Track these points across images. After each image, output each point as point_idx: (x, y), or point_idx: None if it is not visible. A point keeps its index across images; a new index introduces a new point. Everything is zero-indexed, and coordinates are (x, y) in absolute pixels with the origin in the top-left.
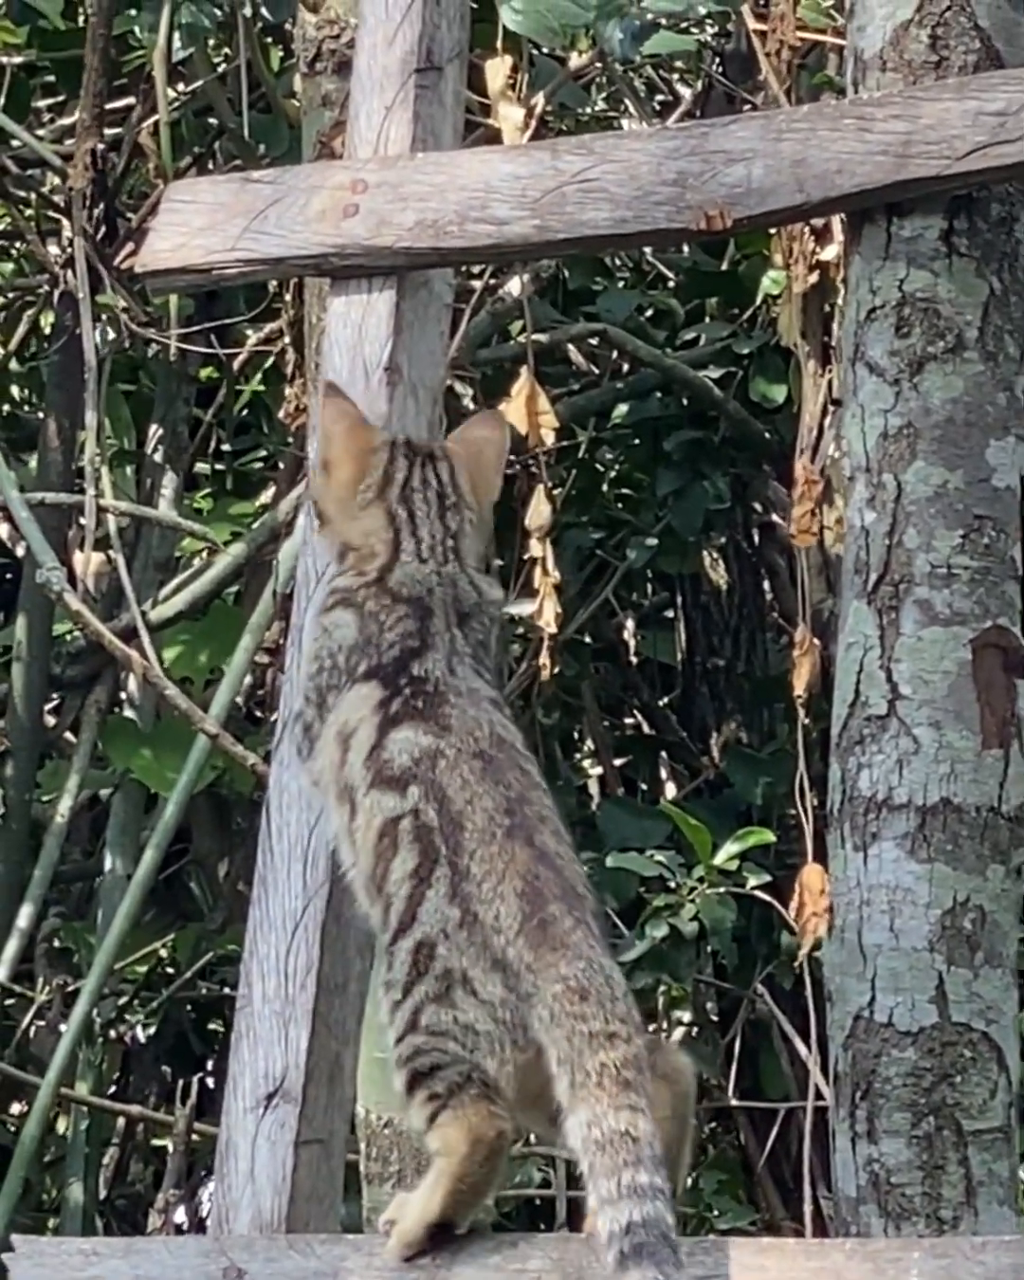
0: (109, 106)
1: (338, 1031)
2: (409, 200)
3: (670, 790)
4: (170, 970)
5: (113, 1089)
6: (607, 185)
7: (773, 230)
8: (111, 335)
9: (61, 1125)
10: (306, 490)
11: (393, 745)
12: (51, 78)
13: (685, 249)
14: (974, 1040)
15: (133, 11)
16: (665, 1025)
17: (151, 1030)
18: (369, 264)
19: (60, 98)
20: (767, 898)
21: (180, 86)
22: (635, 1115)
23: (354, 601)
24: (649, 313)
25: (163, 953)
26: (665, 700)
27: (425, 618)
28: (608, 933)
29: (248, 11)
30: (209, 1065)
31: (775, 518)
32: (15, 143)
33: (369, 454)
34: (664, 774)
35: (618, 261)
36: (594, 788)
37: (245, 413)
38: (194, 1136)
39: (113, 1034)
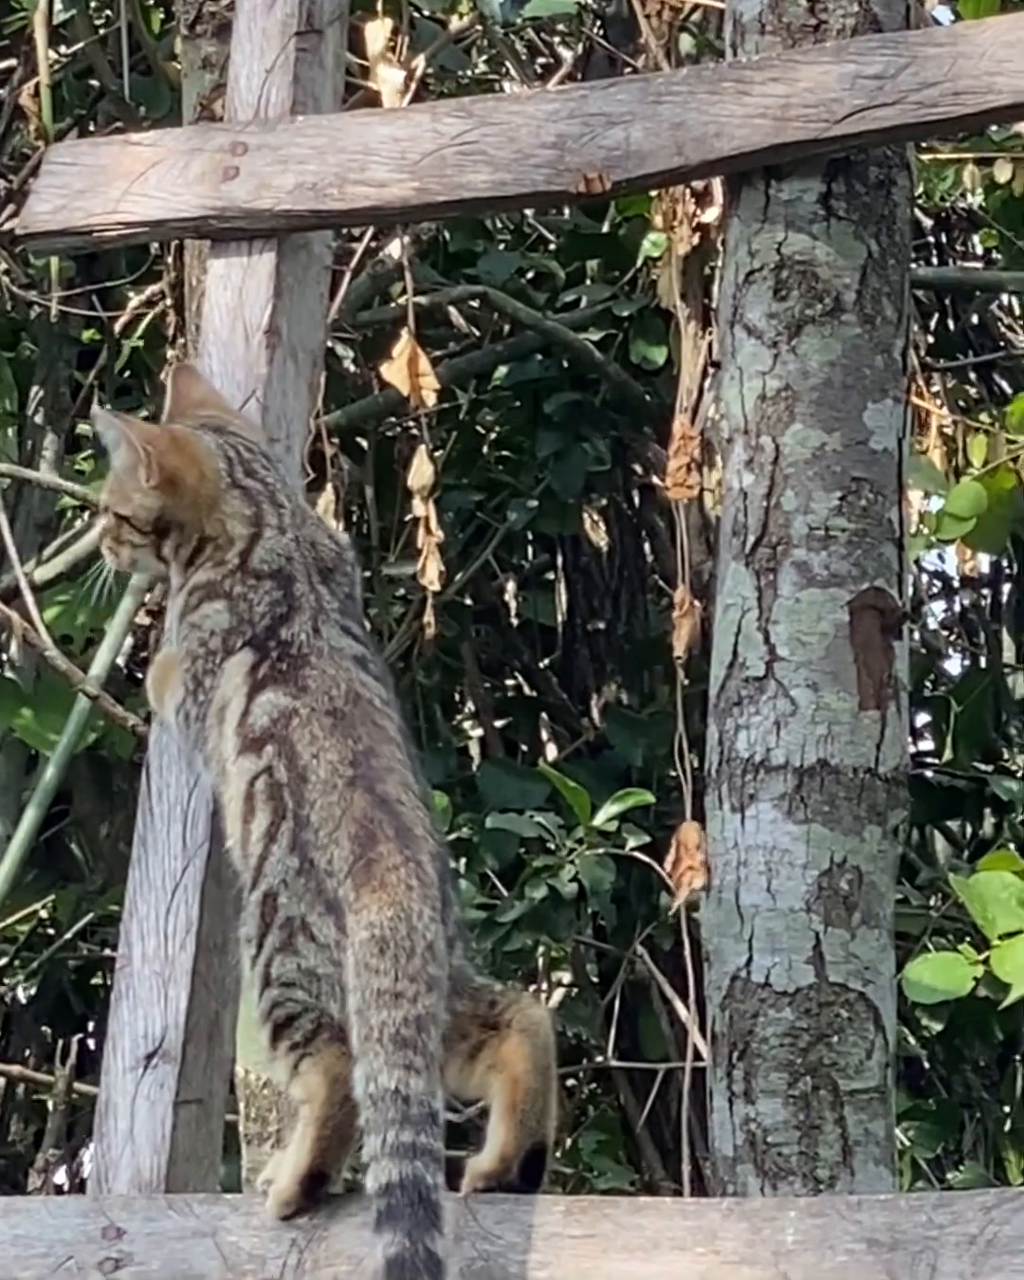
0: None
1: (217, 991)
2: (289, 163)
3: (551, 752)
4: (51, 931)
5: None
6: (486, 148)
7: (653, 193)
8: None
9: None
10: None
11: (256, 709)
12: None
13: (566, 211)
14: (851, 1000)
15: None
16: (546, 986)
17: (32, 991)
18: (249, 227)
19: None
20: (646, 859)
21: (61, 49)
22: (409, 1074)
23: (221, 591)
24: (530, 275)
25: (43, 913)
26: (546, 662)
27: (289, 585)
28: (451, 876)
29: None
30: (90, 1026)
31: (655, 480)
32: None
33: (204, 452)
34: (544, 736)
35: (498, 224)
36: (474, 749)
37: (127, 375)
38: (74, 1097)
39: None
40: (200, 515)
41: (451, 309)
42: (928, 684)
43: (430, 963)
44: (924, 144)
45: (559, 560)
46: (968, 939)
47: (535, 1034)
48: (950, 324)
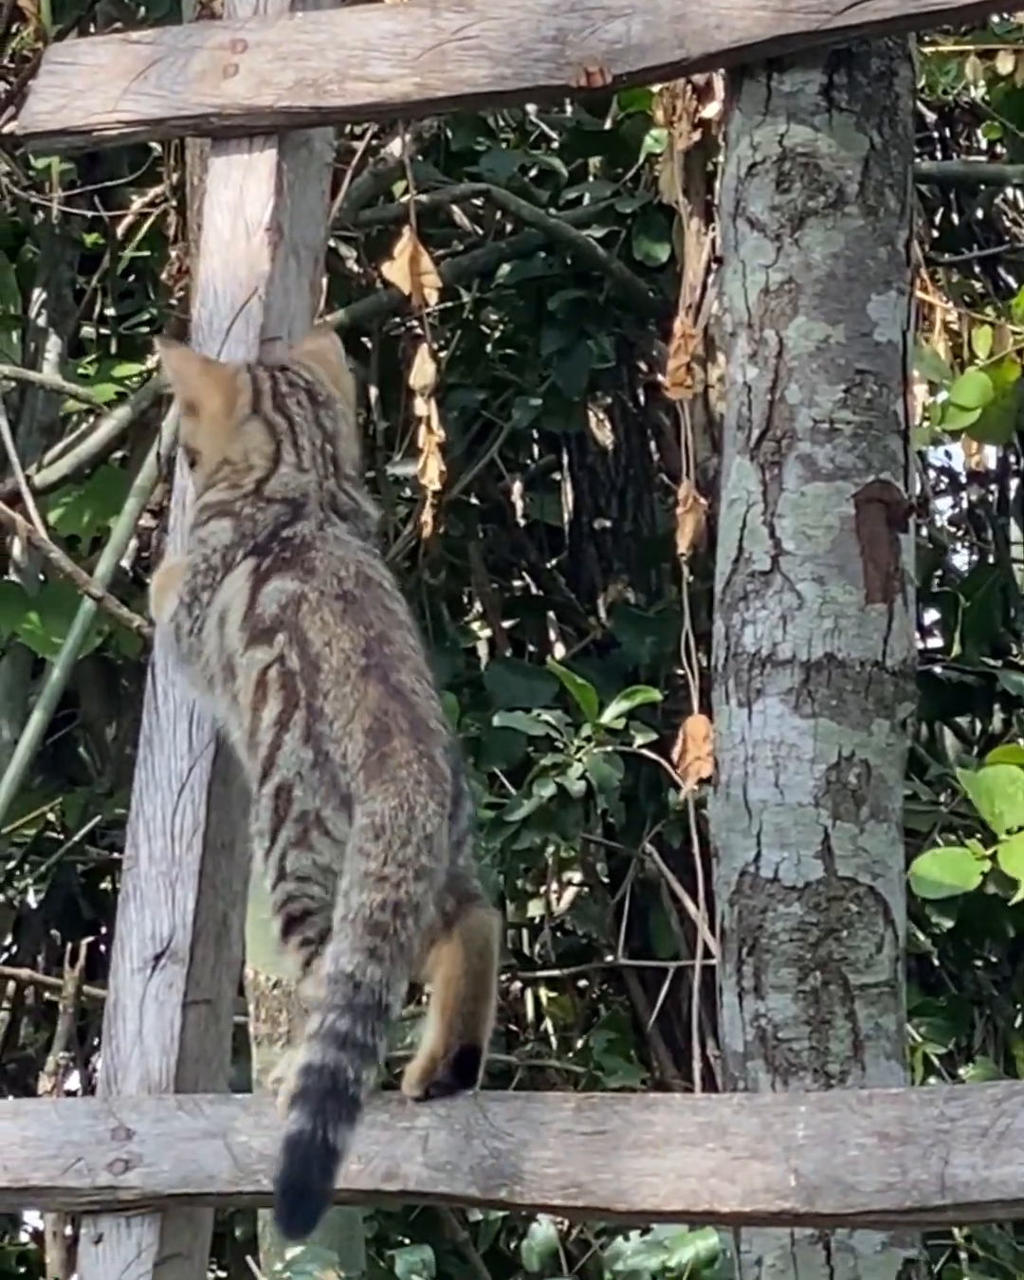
0: None
1: (224, 892)
2: (289, 59)
3: (559, 651)
4: (59, 835)
5: (3, 954)
6: (486, 42)
7: (655, 88)
8: None
9: None
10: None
11: (264, 598)
12: None
13: (568, 108)
14: (860, 895)
15: None
16: (555, 885)
17: (41, 895)
18: (249, 124)
19: None
20: (654, 756)
21: None
22: (369, 962)
23: (230, 511)
24: (532, 172)
25: (51, 817)
26: (553, 561)
27: (298, 508)
28: (464, 768)
29: None
30: (100, 929)
31: (660, 377)
32: None
33: (230, 380)
34: (552, 634)
35: (500, 121)
36: (482, 649)
37: (130, 278)
38: (84, 1000)
39: (2, 898)
40: (221, 441)
41: (454, 207)
42: (936, 580)
43: (424, 853)
44: (926, 36)
45: (565, 458)
46: (977, 835)
47: (473, 940)
48: (955, 218)
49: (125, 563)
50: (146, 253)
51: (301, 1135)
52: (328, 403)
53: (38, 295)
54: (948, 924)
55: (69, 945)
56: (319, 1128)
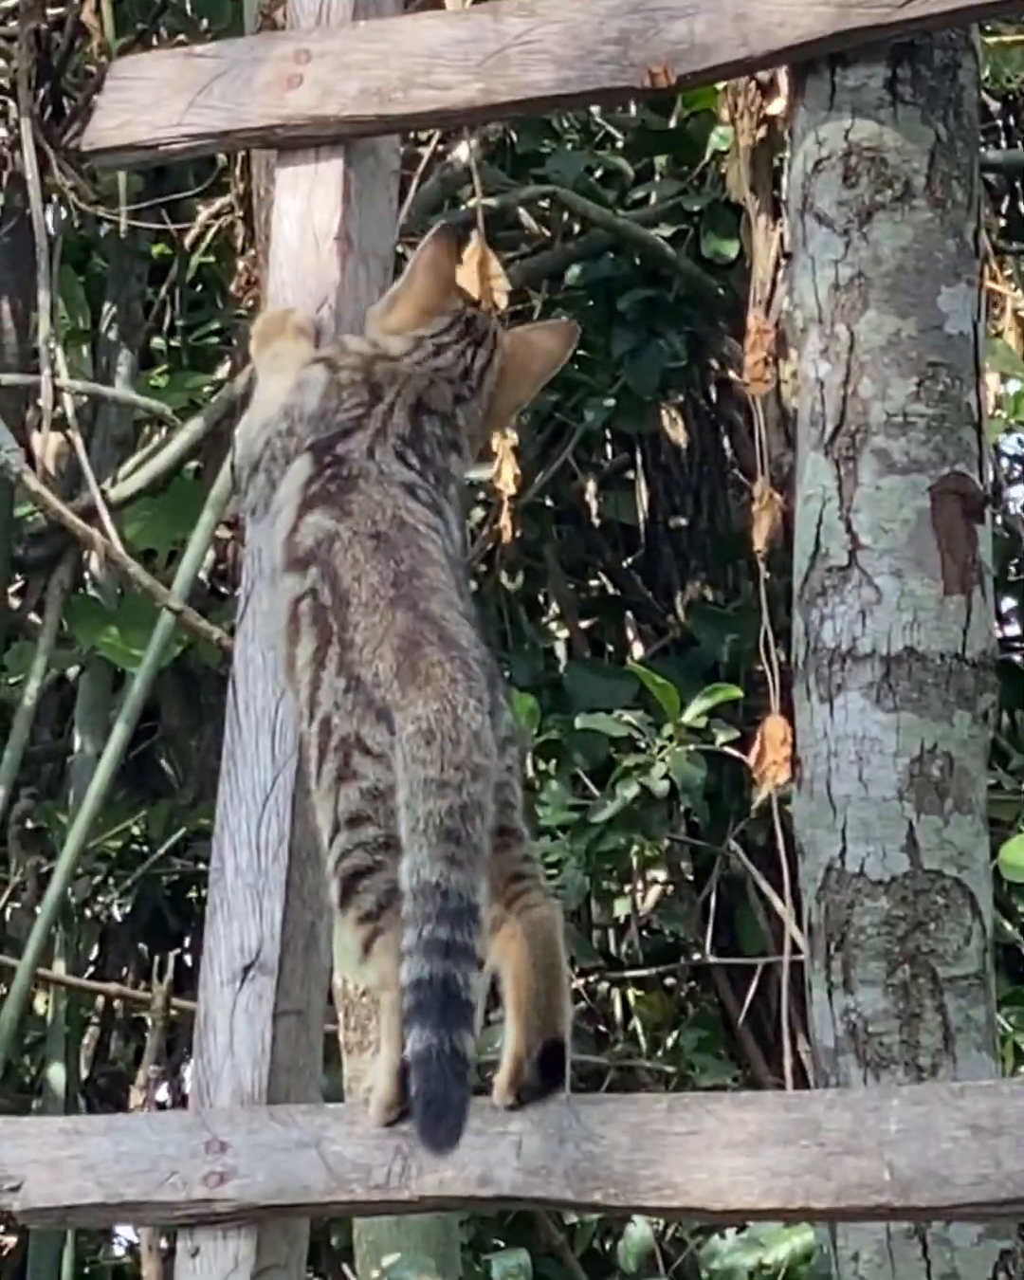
0: None
1: (311, 902)
2: (352, 68)
3: (637, 650)
4: (144, 848)
5: (91, 968)
6: (549, 46)
7: (719, 86)
8: (63, 215)
9: (41, 1006)
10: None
11: (304, 528)
12: None
13: (633, 108)
14: (946, 887)
15: None
16: (641, 885)
17: (127, 908)
18: (315, 134)
19: None
20: (737, 754)
21: None
22: (450, 868)
23: (336, 364)
24: (599, 173)
25: (136, 830)
26: (629, 560)
27: (374, 400)
28: (501, 684)
29: None
30: (186, 942)
31: (732, 374)
32: None
33: (434, 315)
34: (630, 634)
35: (565, 123)
36: (561, 650)
37: (199, 289)
38: (173, 1013)
39: (89, 913)
40: (415, 309)
41: (521, 210)
42: (1012, 568)
43: (475, 751)
44: (988, 26)
45: (639, 458)
46: None
47: (536, 933)
48: (1022, 206)
49: (202, 575)
50: (214, 261)
51: (430, 1050)
52: (472, 389)
53: (107, 309)
54: None
55: (157, 958)
56: (445, 1039)
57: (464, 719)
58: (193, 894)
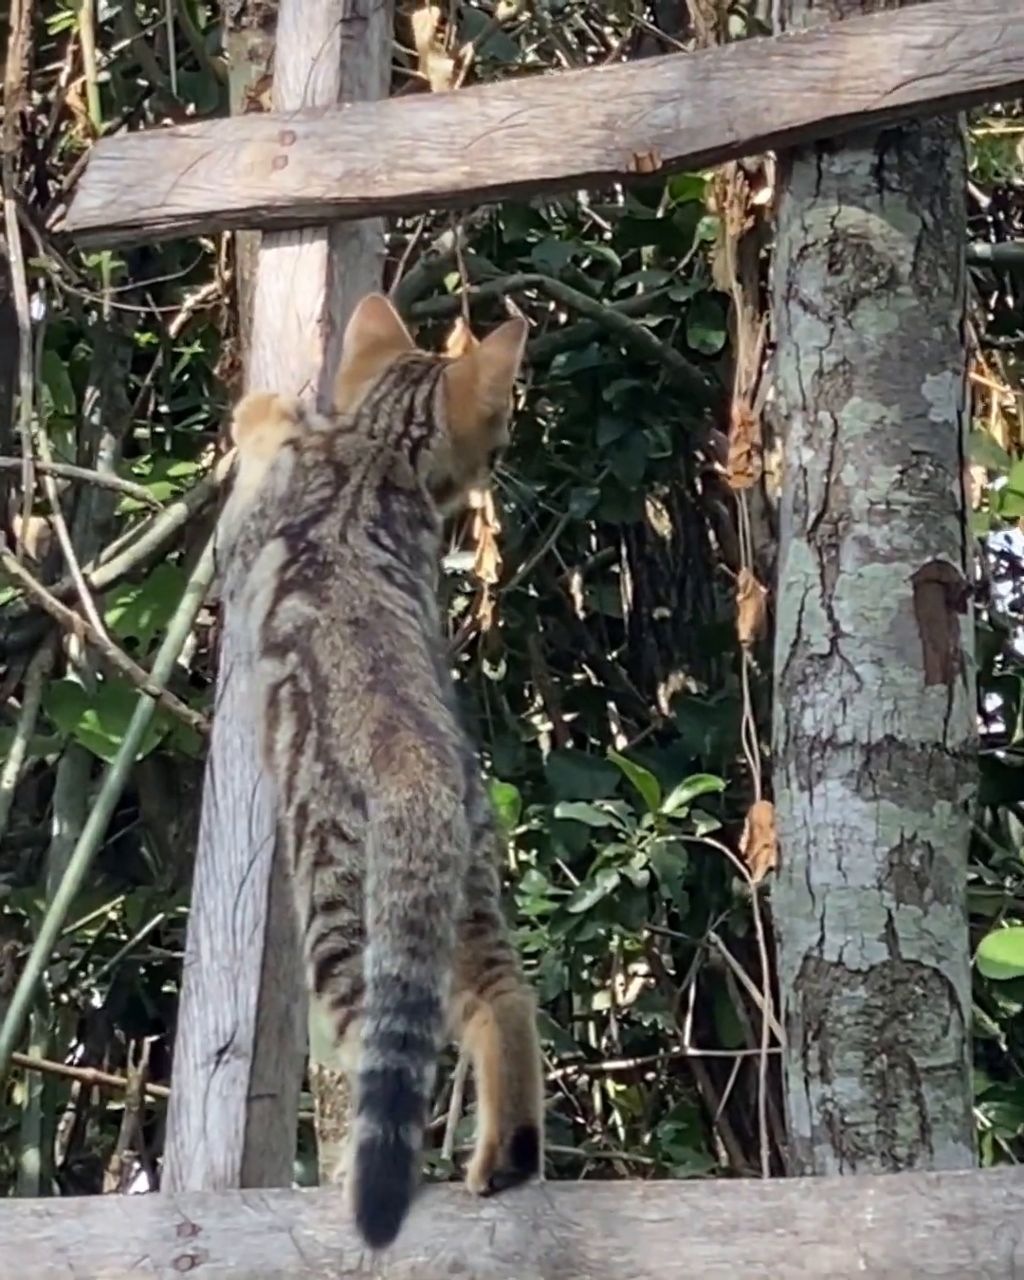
0: (37, 69)
1: (287, 986)
2: (337, 150)
3: (620, 742)
4: (121, 935)
5: (68, 1056)
6: (535, 130)
7: (706, 176)
8: (47, 301)
9: (16, 1092)
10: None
11: (281, 614)
12: None
13: (620, 198)
14: (925, 977)
15: None
16: (621, 978)
17: (104, 994)
18: (299, 215)
19: None
20: (718, 845)
21: (108, 47)
22: (411, 961)
23: (301, 445)
24: (585, 263)
25: (113, 916)
26: (613, 652)
27: (341, 481)
28: (478, 770)
29: None
30: (164, 1029)
31: (717, 465)
32: None
33: (393, 333)
34: (613, 726)
35: (552, 212)
36: (543, 741)
37: (184, 377)
38: (149, 1099)
39: (65, 998)
40: (358, 377)
41: (507, 298)
42: (998, 664)
43: (445, 841)
44: (977, 118)
45: (623, 549)
46: None
47: (508, 1020)
48: (1010, 301)
49: (183, 660)
50: (201, 350)
51: (375, 1141)
52: (424, 424)
53: (91, 394)
54: (1016, 1008)
55: (133, 1044)
56: (391, 1131)
57: (436, 808)
58: (170, 982)
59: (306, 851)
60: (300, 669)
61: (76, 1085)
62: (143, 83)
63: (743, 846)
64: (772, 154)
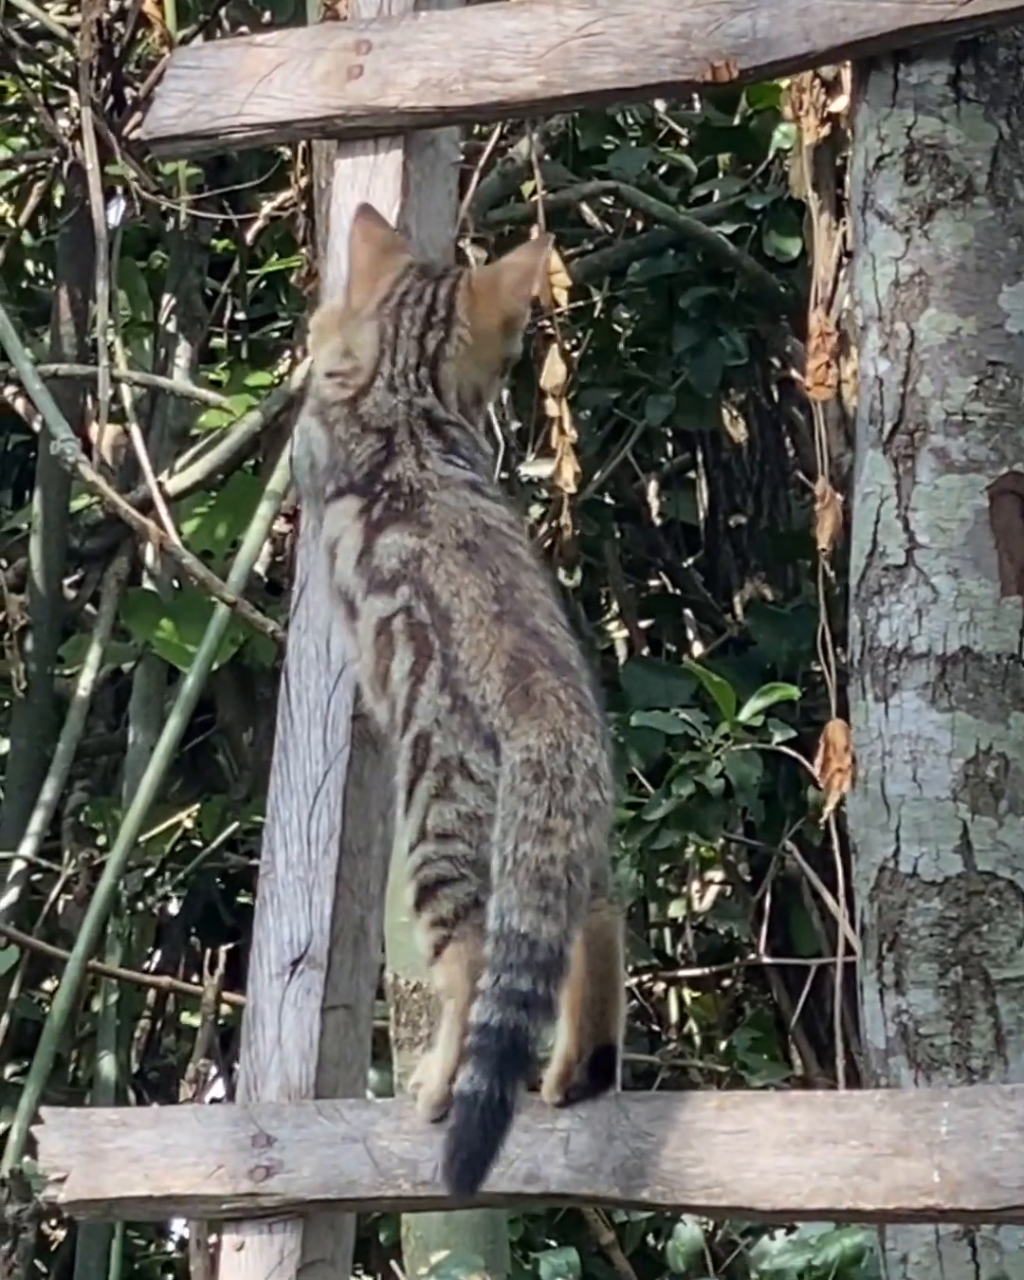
0: None
1: (361, 896)
2: (413, 59)
3: (696, 649)
4: (198, 842)
5: (146, 962)
6: (611, 39)
7: (783, 83)
8: (123, 207)
9: (93, 1000)
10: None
11: (380, 551)
12: None
13: (697, 105)
14: (1000, 889)
15: None
16: (696, 885)
17: (181, 902)
18: (375, 125)
19: None
20: (793, 754)
21: None
22: (541, 919)
23: (327, 419)
24: (662, 170)
25: (189, 824)
26: (689, 559)
27: (390, 436)
28: (605, 706)
29: None
30: (240, 937)
31: (793, 372)
32: (22, 15)
33: (384, 274)
34: (689, 633)
35: (628, 119)
36: (620, 649)
37: (262, 285)
38: (225, 1007)
39: (141, 907)
40: (349, 329)
41: (583, 205)
42: None
43: (591, 789)
44: None
45: (699, 457)
46: None
47: (595, 941)
48: None
49: (259, 569)
50: (276, 256)
51: (477, 1095)
52: (444, 323)
53: (167, 301)
54: None
55: (209, 952)
56: (496, 1088)
57: (579, 755)
58: (246, 890)
59: (427, 783)
60: (415, 600)
61: (152, 993)
62: None
63: (817, 766)
64: (848, 63)
